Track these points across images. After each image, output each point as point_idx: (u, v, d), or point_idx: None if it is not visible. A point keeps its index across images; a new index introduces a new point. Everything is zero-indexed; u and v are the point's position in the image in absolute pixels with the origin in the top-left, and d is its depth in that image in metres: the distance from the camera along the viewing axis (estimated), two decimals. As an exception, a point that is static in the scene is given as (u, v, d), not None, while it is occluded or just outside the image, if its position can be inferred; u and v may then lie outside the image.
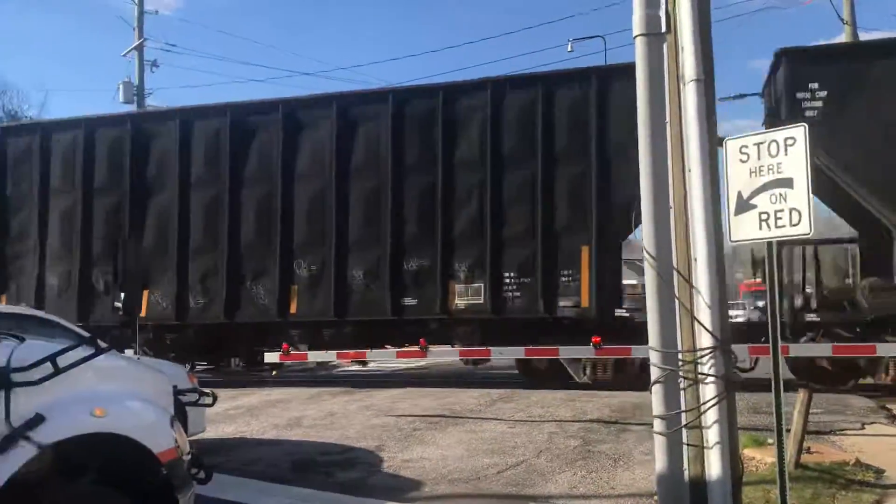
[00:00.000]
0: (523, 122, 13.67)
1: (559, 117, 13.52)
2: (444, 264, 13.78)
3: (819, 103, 12.29)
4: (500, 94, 13.88)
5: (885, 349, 12.18)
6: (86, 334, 6.71)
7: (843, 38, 19.34)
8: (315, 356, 14.92)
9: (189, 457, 4.38)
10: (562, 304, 13.18)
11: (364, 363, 16.69)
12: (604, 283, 13.08)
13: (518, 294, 13.50)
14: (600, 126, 13.19)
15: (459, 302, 13.69)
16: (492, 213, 13.60)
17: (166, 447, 4.03)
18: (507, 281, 13.57)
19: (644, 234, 4.15)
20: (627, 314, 13.47)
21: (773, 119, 13.16)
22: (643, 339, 4.34)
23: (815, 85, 12.33)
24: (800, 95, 12.38)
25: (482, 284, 13.56)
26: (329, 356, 14.79)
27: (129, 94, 27.63)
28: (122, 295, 3.96)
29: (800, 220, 5.16)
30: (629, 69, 4.64)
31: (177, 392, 6.06)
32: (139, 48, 28.05)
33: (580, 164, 13.28)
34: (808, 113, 12.11)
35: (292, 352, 14.20)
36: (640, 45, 4.28)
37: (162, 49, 30.41)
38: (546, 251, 13.31)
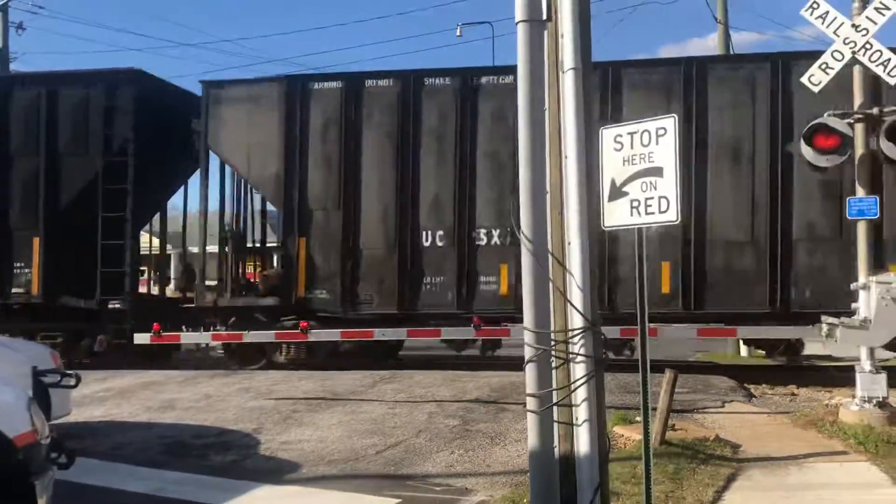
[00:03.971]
0: None
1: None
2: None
3: None
4: None
5: None
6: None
7: (715, 37, 20.27)
8: (188, 338, 14.52)
9: (49, 440, 4.17)
10: None
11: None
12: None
13: None
14: None
15: None
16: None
17: (22, 430, 3.82)
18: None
19: (522, 218, 4.23)
20: None
21: None
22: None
23: None
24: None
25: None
26: (204, 337, 14.40)
27: (-8, 56, 25.80)
28: None
29: (668, 208, 5.38)
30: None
31: (37, 373, 5.76)
32: (3, 8, 26.18)
33: None
34: None
35: (164, 333, 13.76)
36: (521, 32, 4.33)
37: (30, 11, 28.27)
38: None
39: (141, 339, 13.60)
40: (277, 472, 7.25)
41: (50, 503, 3.99)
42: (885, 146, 8.94)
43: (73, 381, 6.97)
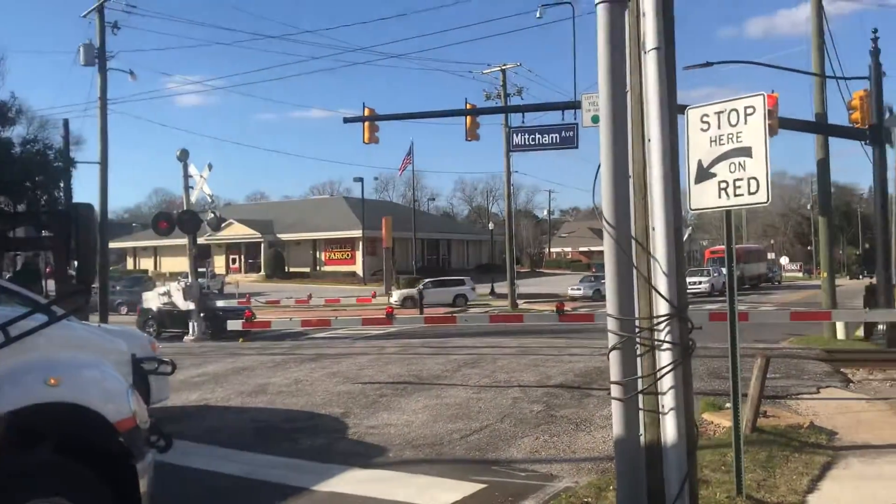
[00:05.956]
0: None
1: None
2: None
3: None
4: None
5: None
6: (42, 301, 6.62)
7: (808, 7, 19.38)
8: (279, 324, 14.94)
9: (148, 425, 4.34)
10: None
11: None
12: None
13: None
14: None
15: None
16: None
17: (124, 416, 3.99)
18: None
19: (603, 204, 4.14)
20: None
21: None
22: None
23: None
24: None
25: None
26: (293, 324, 14.80)
27: (91, 56, 26.88)
28: (76, 263, 3.84)
29: (758, 189, 5.23)
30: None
31: (137, 360, 6.01)
32: (100, 9, 27.25)
33: None
34: None
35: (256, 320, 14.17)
36: (601, 13, 4.23)
37: (124, 11, 29.24)
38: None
39: (234, 325, 14.08)
40: (365, 455, 7.39)
41: (151, 485, 4.16)
42: None
43: (169, 369, 7.26)
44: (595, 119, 18.65)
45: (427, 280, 42.52)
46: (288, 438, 8.19)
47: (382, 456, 7.39)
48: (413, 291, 38.90)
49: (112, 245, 54.28)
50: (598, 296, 39.65)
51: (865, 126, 17.11)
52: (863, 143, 17.55)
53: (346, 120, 23.27)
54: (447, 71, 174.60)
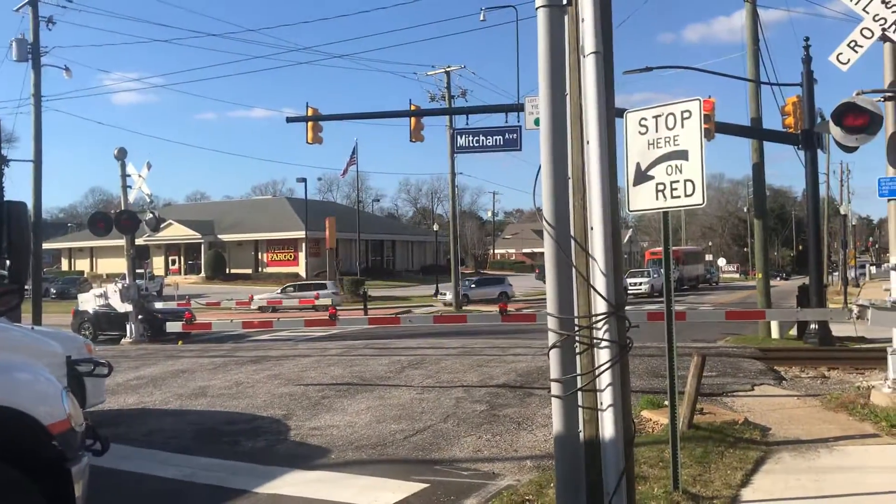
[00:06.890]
0: None
1: None
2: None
3: None
4: None
5: None
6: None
7: (742, 14, 19.91)
8: (220, 325, 14.74)
9: (83, 428, 4.25)
10: None
11: None
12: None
13: None
14: None
15: None
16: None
17: (58, 418, 3.90)
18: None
19: (544, 204, 4.21)
20: None
21: None
22: None
23: None
24: None
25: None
26: (234, 326, 14.61)
27: (24, 51, 26.08)
28: (9, 262, 3.72)
29: (694, 191, 5.37)
30: None
31: (72, 362, 5.88)
32: (33, 3, 26.47)
33: None
34: None
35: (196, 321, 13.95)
36: (542, 17, 4.30)
37: (59, 5, 28.42)
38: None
39: (173, 326, 13.83)
40: (307, 457, 7.34)
41: (86, 489, 4.07)
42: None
43: (105, 371, 7.12)
44: (538, 122, 18.77)
45: (287, 284, 43.78)
46: (228, 441, 8.09)
47: (325, 457, 7.35)
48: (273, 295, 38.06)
49: (46, 246, 52.85)
50: (465, 300, 39.31)
51: (798, 131, 17.65)
52: (796, 147, 18.10)
53: (289, 119, 23.10)
54: (392, 72, 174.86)
